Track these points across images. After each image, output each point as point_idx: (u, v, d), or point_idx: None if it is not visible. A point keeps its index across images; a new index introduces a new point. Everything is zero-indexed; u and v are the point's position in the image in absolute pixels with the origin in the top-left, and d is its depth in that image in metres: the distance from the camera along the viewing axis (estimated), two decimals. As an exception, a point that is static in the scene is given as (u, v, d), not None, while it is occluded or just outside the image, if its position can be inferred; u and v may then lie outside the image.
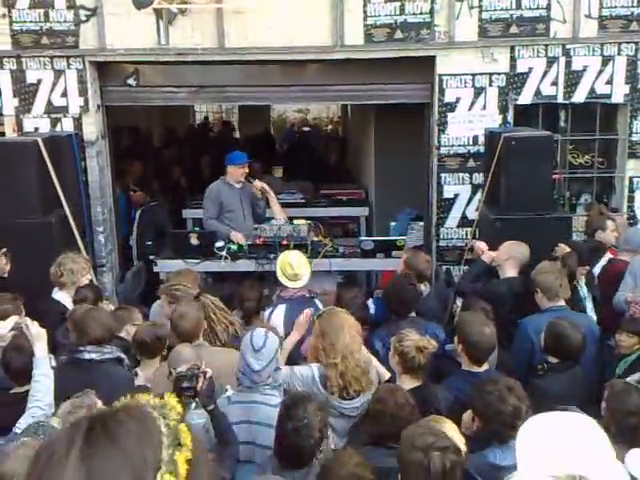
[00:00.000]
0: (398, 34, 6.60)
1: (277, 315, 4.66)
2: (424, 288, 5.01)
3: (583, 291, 5.19)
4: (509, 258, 5.02)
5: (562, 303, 4.53)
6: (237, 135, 15.15)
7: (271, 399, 3.31)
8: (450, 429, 2.94)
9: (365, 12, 6.56)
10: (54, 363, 3.50)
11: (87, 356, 3.71)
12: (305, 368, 3.71)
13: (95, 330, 3.76)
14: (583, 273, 5.21)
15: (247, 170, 6.77)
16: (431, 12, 6.54)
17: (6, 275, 5.29)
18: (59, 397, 3.22)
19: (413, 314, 4.51)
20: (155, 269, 6.29)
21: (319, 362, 3.66)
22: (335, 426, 3.48)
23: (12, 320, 3.54)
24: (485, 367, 3.79)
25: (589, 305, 5.18)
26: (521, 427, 2.00)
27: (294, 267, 4.90)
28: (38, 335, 3.37)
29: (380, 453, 3.01)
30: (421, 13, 6.55)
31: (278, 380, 3.40)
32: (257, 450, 3.27)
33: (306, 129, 16.71)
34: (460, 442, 2.93)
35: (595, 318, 5.04)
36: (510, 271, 5.02)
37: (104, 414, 1.14)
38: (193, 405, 3.19)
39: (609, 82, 6.64)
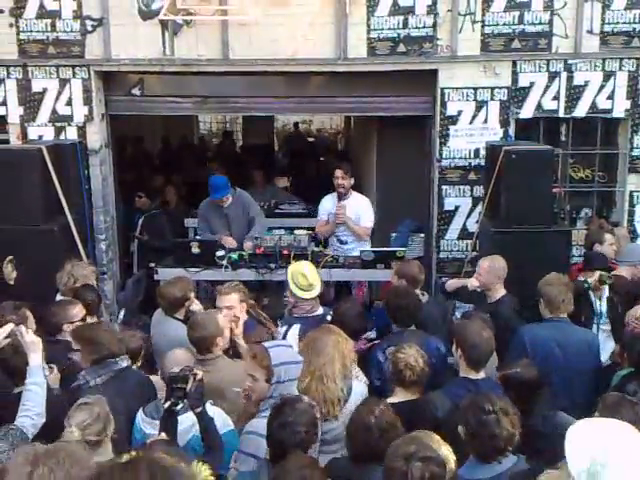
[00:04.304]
0: (401, 47, 6.66)
1: (292, 334, 4.59)
2: (422, 297, 4.99)
3: (597, 306, 5.12)
4: (499, 279, 5.00)
5: (564, 316, 4.52)
6: (240, 144, 15.20)
7: None
8: (438, 443, 2.92)
9: (368, 25, 6.63)
10: (47, 372, 3.50)
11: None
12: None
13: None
14: (600, 288, 5.11)
15: (225, 201, 6.65)
16: (434, 26, 6.61)
17: (12, 282, 5.29)
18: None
19: (413, 327, 4.50)
20: (156, 277, 6.28)
21: None
22: None
23: (8, 327, 3.51)
24: (482, 375, 3.78)
25: (604, 321, 5.10)
26: (569, 429, 2.20)
27: (308, 277, 4.78)
28: (32, 343, 3.32)
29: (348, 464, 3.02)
30: (424, 27, 6.61)
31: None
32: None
33: (310, 139, 16.77)
34: (449, 455, 2.92)
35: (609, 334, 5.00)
36: (501, 290, 5.01)
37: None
38: (180, 406, 3.23)
39: (610, 97, 6.69)
